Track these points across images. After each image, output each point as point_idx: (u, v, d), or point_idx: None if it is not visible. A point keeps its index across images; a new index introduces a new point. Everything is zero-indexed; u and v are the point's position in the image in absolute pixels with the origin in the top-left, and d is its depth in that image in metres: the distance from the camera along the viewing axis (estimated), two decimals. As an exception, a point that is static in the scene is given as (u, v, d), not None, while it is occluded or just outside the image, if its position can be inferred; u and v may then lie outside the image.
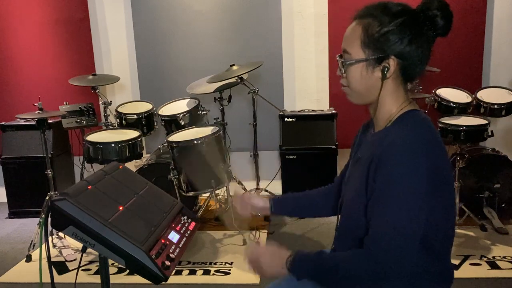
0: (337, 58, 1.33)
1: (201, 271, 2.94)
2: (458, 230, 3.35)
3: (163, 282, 1.27)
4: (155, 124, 3.81)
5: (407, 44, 1.23)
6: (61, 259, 3.15)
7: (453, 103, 3.42)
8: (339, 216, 1.44)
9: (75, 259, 3.14)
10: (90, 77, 3.78)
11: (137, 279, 1.49)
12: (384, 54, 1.24)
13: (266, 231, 3.49)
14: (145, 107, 3.83)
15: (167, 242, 1.37)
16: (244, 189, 3.77)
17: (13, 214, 4.08)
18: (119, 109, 3.79)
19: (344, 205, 1.39)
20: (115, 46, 4.44)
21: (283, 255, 1.30)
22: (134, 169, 3.54)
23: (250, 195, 1.65)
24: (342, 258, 1.24)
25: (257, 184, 3.79)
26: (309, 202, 1.64)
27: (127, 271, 2.86)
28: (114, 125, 3.78)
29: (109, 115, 3.78)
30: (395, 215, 1.17)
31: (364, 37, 1.25)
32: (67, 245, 3.26)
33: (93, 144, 3.23)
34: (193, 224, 1.57)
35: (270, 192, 3.95)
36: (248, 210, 1.62)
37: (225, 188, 3.61)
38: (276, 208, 1.62)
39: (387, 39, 1.23)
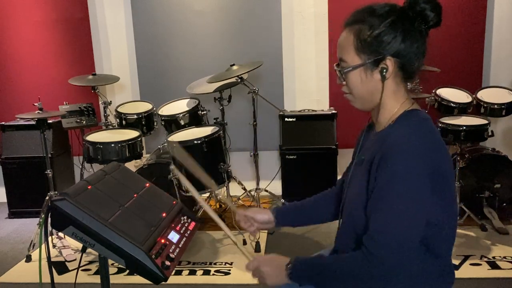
0: (335, 68, 1.34)
1: (201, 271, 2.94)
2: (458, 230, 3.31)
3: (163, 282, 1.27)
4: (155, 124, 3.81)
5: (401, 41, 1.24)
6: (61, 259, 3.15)
7: (453, 103, 3.42)
8: (341, 217, 1.44)
9: (75, 259, 3.14)
10: (90, 77, 3.78)
11: (137, 279, 1.49)
12: (380, 55, 1.25)
13: (266, 231, 3.49)
14: (145, 107, 3.83)
15: (167, 242, 1.37)
16: (244, 189, 3.77)
17: (13, 214, 4.08)
18: (119, 109, 3.79)
19: (346, 206, 1.39)
20: (115, 46, 4.44)
21: (282, 263, 1.30)
22: (134, 169, 3.54)
23: (252, 210, 1.62)
24: (342, 260, 1.25)
25: (257, 184, 3.79)
26: (312, 211, 1.62)
27: (127, 271, 2.86)
28: (114, 125, 3.78)
29: (109, 115, 3.77)
30: (394, 214, 1.17)
31: (357, 42, 1.27)
32: (67, 245, 3.26)
33: (93, 144, 3.23)
34: (193, 224, 1.57)
35: (270, 192, 3.94)
36: (255, 226, 1.61)
37: (225, 188, 3.61)
38: (280, 221, 1.61)
39: (380, 41, 1.24)
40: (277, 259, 1.34)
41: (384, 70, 1.25)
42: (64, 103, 3.66)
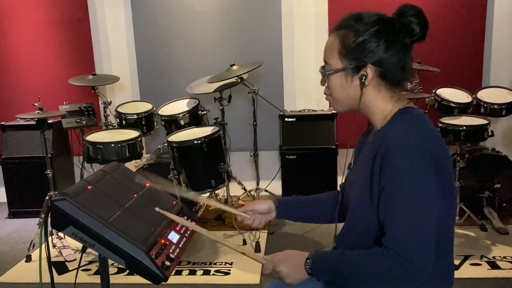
0: (319, 70, 1.38)
1: (201, 271, 2.94)
2: (458, 230, 3.35)
3: (163, 282, 1.27)
4: (155, 124, 3.81)
5: (384, 51, 1.26)
6: (61, 259, 3.15)
7: (453, 103, 3.42)
8: (339, 220, 1.43)
9: (75, 259, 3.14)
10: (90, 77, 3.78)
11: (137, 279, 1.49)
12: (361, 62, 1.27)
13: (266, 231, 3.49)
14: (145, 107, 3.83)
15: (167, 242, 1.37)
16: (244, 189, 3.77)
17: (13, 214, 4.08)
18: (119, 109, 3.79)
19: (349, 209, 1.39)
20: (115, 46, 4.44)
21: (299, 260, 1.30)
22: (134, 169, 3.54)
23: (250, 203, 1.61)
24: (364, 257, 1.23)
25: (257, 184, 3.79)
26: (314, 209, 1.62)
27: (127, 271, 2.86)
28: (114, 125, 3.78)
29: (109, 115, 3.77)
30: (410, 211, 1.17)
31: (341, 47, 1.30)
32: (67, 245, 3.26)
33: (93, 144, 3.23)
34: (193, 224, 1.57)
35: (270, 192, 3.94)
36: (259, 219, 1.60)
37: (225, 188, 3.61)
38: (282, 212, 1.61)
39: (363, 48, 1.27)
40: (293, 256, 1.32)
41: (364, 77, 1.28)
42: (64, 103, 3.66)
